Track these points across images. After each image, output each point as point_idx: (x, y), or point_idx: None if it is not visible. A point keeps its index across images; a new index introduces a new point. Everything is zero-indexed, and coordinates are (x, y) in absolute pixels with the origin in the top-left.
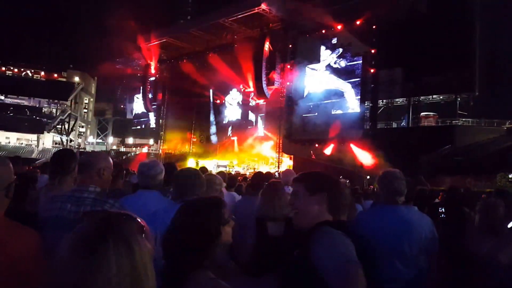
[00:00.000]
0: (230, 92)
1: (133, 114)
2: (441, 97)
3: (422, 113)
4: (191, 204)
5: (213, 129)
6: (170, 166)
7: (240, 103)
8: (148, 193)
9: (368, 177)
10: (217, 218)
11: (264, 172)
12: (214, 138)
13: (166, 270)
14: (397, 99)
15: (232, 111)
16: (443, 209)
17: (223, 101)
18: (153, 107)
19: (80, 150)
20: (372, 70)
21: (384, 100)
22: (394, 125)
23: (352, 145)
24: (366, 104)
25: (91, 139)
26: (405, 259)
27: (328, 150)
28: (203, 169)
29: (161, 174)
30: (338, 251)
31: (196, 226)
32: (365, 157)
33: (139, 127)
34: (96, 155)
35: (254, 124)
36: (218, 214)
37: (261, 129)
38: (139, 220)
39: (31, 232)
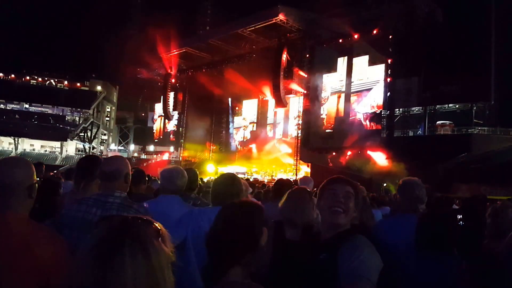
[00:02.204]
0: (249, 100)
1: (154, 122)
2: (457, 105)
3: (438, 122)
4: (238, 204)
5: (231, 136)
6: (192, 172)
7: (258, 111)
8: (170, 198)
9: (384, 184)
10: (261, 219)
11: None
12: (232, 146)
13: (208, 266)
14: (413, 108)
15: (250, 119)
16: (460, 216)
17: (241, 109)
18: (173, 115)
19: (103, 157)
20: (388, 79)
21: (401, 109)
22: (411, 133)
23: (369, 152)
24: (383, 113)
25: (113, 146)
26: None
27: (345, 158)
28: None
29: (182, 180)
30: (361, 264)
31: (243, 225)
32: (381, 165)
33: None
34: (122, 161)
35: (272, 132)
36: (261, 215)
37: (278, 137)
38: (156, 224)
39: (57, 235)
